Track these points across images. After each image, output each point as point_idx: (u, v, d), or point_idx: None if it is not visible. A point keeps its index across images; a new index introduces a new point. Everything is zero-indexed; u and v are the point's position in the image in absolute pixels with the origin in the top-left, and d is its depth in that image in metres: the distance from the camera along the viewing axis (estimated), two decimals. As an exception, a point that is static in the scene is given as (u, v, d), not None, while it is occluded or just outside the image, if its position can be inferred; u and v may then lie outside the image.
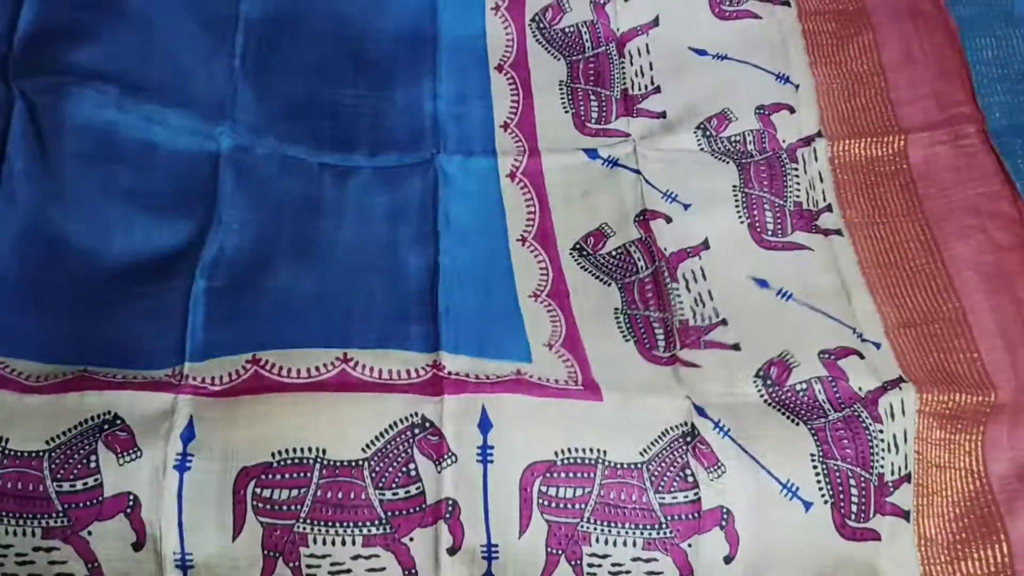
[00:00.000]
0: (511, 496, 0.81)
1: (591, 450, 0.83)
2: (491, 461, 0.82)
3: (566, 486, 0.82)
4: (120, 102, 0.97)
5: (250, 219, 0.96)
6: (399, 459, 0.82)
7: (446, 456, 0.81)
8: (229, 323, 0.88)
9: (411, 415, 0.83)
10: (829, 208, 1.04)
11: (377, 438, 0.82)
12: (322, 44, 1.10)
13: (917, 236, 1.01)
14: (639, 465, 0.83)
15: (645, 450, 0.84)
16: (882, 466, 0.85)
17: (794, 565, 0.83)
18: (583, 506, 0.82)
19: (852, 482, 0.84)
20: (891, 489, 0.85)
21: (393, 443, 0.82)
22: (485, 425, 0.83)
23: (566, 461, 0.82)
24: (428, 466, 0.81)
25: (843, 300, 0.97)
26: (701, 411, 0.86)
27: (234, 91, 1.04)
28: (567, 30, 1.16)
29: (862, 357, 0.92)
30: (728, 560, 0.81)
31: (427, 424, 0.82)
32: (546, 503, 0.81)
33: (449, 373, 0.85)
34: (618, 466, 0.83)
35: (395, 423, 0.83)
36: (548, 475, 0.82)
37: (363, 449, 0.81)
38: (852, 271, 0.99)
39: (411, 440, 0.82)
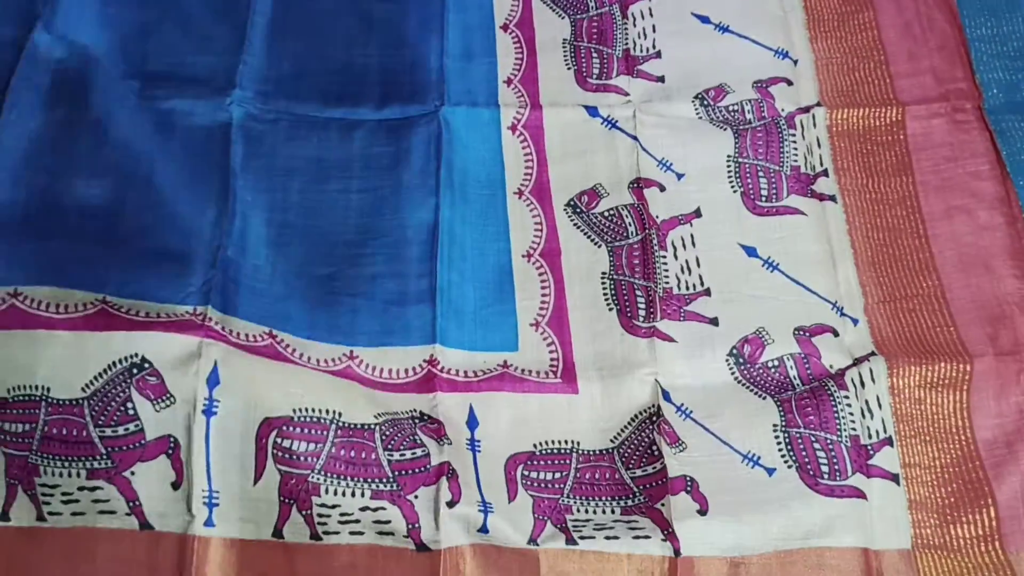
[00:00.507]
0: (498, 477, 0.89)
1: (566, 442, 0.91)
2: (479, 451, 0.89)
3: (545, 471, 0.90)
4: (140, 85, 1.02)
5: (262, 188, 0.99)
6: (405, 430, 0.89)
7: (444, 438, 0.88)
8: (247, 296, 0.93)
9: (411, 409, 0.90)
10: (826, 173, 1.05)
11: (385, 413, 0.89)
12: (334, 5, 1.11)
13: (906, 210, 1.03)
14: (610, 451, 0.90)
15: (615, 436, 0.91)
16: (854, 429, 0.90)
17: (775, 524, 0.86)
18: (562, 486, 0.89)
19: (817, 445, 0.89)
20: (871, 452, 0.89)
21: (399, 420, 0.89)
22: (472, 423, 0.90)
23: (544, 451, 0.90)
24: (431, 441, 0.88)
25: (829, 270, 0.99)
26: (666, 395, 0.92)
27: (245, 57, 1.05)
28: None
29: (836, 335, 0.95)
30: (702, 513, 0.87)
31: (425, 417, 0.89)
32: (529, 484, 0.89)
33: (442, 369, 0.92)
34: (591, 453, 0.90)
35: (399, 412, 0.90)
36: (529, 462, 0.90)
37: (375, 416, 0.89)
38: (841, 240, 1.01)
39: (414, 423, 0.89)
